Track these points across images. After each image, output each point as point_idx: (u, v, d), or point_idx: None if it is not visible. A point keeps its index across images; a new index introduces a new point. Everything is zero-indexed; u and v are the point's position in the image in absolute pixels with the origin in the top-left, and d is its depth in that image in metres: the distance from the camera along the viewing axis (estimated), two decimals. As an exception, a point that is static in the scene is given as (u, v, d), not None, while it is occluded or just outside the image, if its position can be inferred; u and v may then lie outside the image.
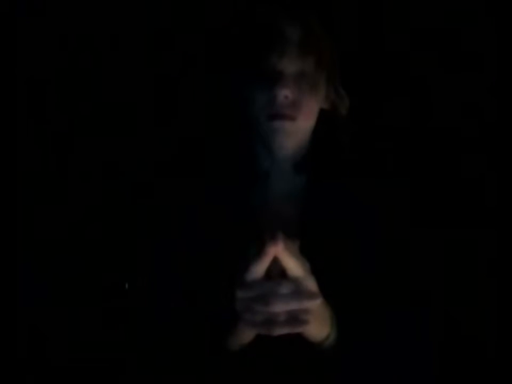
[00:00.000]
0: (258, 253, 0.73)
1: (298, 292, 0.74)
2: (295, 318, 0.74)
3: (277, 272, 0.75)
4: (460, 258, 1.22)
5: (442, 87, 1.28)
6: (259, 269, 0.74)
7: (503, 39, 1.22)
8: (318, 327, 0.80)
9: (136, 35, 1.32)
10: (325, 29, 0.95)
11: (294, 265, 0.74)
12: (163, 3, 1.32)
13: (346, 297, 0.84)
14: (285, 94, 0.88)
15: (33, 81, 1.29)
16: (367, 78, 1.27)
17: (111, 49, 1.32)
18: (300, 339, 0.79)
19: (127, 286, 1.17)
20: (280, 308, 0.73)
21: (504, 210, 1.20)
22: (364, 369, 0.85)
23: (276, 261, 0.74)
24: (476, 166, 1.25)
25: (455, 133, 1.27)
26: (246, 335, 0.80)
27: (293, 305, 0.73)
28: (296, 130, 0.91)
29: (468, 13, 1.25)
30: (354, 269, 0.89)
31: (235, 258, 0.77)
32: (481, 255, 1.22)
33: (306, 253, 0.77)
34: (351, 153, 1.00)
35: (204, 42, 1.30)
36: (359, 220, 0.93)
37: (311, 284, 0.75)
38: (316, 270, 0.77)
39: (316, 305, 0.75)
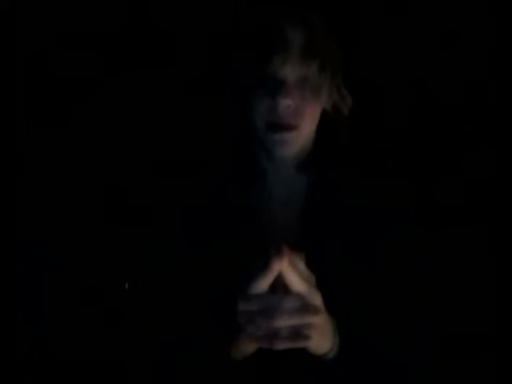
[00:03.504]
0: (263, 266, 0.72)
1: (302, 307, 0.73)
2: (298, 332, 0.72)
3: (281, 285, 0.73)
4: (461, 260, 1.22)
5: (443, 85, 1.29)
6: (263, 283, 0.73)
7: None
8: (321, 340, 0.78)
9: (138, 37, 1.32)
10: (329, 29, 0.92)
11: (298, 281, 0.73)
12: (165, 5, 1.32)
13: (349, 306, 0.83)
14: (287, 103, 0.84)
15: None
16: (368, 77, 1.27)
17: (116, 52, 1.32)
18: (301, 350, 0.77)
19: (127, 286, 1.17)
20: (283, 322, 0.71)
21: (505, 211, 1.20)
22: (366, 381, 0.84)
23: (280, 274, 0.72)
24: (478, 165, 1.25)
25: (457, 132, 1.27)
26: (248, 347, 0.78)
27: (296, 320, 0.72)
28: (298, 138, 0.88)
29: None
30: (357, 273, 0.88)
31: (237, 262, 0.77)
32: (482, 256, 1.22)
33: (306, 257, 0.76)
34: (353, 153, 0.99)
35: (205, 45, 1.29)
36: (361, 223, 0.91)
37: (315, 299, 0.74)
38: (317, 276, 0.76)
39: (319, 320, 0.74)
